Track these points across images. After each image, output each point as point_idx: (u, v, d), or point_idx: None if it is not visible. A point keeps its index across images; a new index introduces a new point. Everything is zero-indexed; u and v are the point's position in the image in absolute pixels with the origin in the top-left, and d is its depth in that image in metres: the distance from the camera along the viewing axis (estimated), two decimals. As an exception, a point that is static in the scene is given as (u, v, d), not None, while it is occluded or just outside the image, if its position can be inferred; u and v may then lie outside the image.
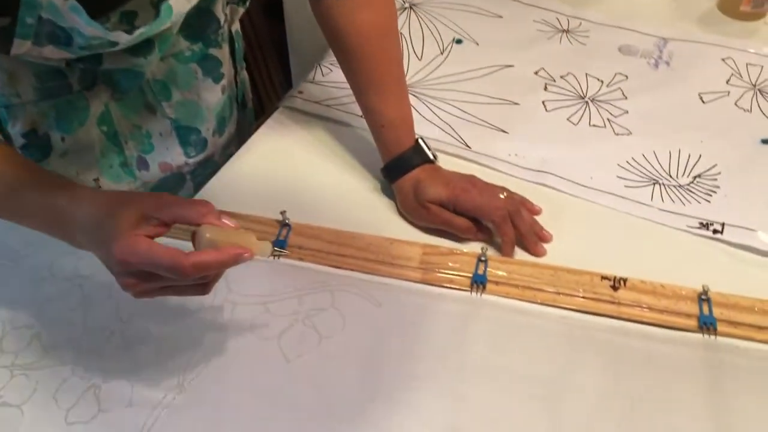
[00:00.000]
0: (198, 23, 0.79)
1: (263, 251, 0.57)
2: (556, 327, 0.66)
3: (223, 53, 0.85)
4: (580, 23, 1.10)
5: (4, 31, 0.61)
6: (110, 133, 0.81)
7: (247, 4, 0.89)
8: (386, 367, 0.64)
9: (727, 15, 1.10)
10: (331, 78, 1.00)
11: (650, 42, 1.05)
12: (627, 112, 0.93)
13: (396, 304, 0.69)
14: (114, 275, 0.55)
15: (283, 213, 0.75)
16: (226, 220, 0.55)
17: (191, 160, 0.88)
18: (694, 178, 0.83)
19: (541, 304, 0.68)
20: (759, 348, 0.64)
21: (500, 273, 0.71)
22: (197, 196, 0.84)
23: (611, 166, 0.85)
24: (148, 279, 0.54)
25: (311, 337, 0.66)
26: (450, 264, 0.72)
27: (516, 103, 0.95)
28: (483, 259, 0.72)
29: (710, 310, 0.66)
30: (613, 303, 0.68)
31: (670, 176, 0.84)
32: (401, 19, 1.10)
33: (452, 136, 0.90)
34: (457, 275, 0.71)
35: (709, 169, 0.84)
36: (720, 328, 0.65)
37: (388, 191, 0.83)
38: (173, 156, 0.87)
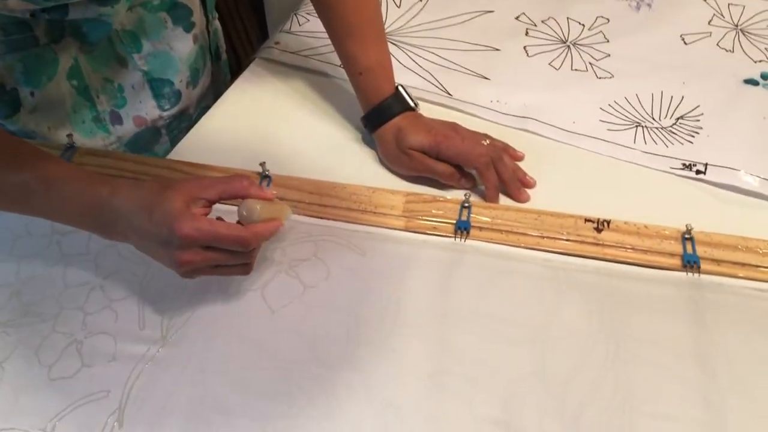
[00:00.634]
0: (165, -30, 0.77)
1: (288, 215, 0.62)
2: (541, 270, 0.66)
3: (192, 1, 0.83)
4: (561, -34, 1.08)
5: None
6: (81, 88, 0.79)
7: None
8: (371, 315, 0.63)
9: (709, -45, 1.08)
10: (307, 28, 0.97)
11: (631, -16, 1.04)
12: (609, 55, 0.92)
13: (380, 253, 0.68)
14: (171, 254, 0.56)
15: (262, 164, 0.74)
16: (266, 192, 0.60)
17: (165, 114, 0.86)
18: (677, 119, 0.83)
19: (525, 248, 0.68)
20: (742, 285, 0.64)
21: (484, 219, 0.70)
22: (174, 151, 0.82)
23: (593, 109, 0.84)
24: (207, 254, 0.57)
25: (295, 287, 0.66)
26: (433, 211, 0.71)
27: (497, 49, 0.94)
28: (466, 205, 0.71)
29: (693, 249, 0.66)
30: (597, 245, 0.67)
31: (653, 118, 0.83)
32: (378, -35, 1.08)
33: (433, 84, 0.88)
34: (440, 222, 0.70)
35: (691, 111, 0.84)
36: (703, 266, 0.65)
37: (368, 141, 0.82)
38: (147, 109, 0.85)
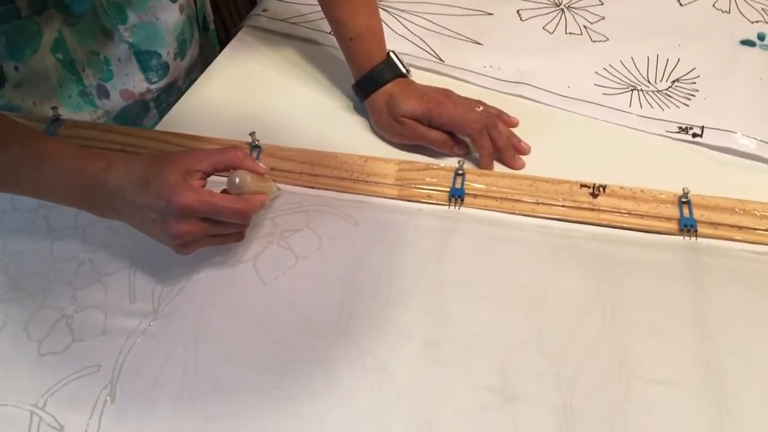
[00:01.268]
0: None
1: (273, 192, 0.65)
2: (536, 237, 0.65)
3: (178, -31, 0.81)
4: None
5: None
6: (66, 61, 0.77)
7: None
8: (365, 285, 0.62)
9: None
10: (296, -6, 0.95)
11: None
12: (603, 18, 0.90)
13: (373, 222, 0.67)
14: (168, 227, 0.56)
15: (252, 134, 0.73)
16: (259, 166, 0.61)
17: (153, 86, 0.84)
18: (673, 82, 0.81)
19: (520, 214, 0.67)
20: (739, 248, 0.63)
21: (478, 186, 0.69)
22: (162, 122, 0.80)
23: (588, 74, 0.83)
24: (204, 225, 0.57)
25: (287, 258, 0.65)
26: (427, 179, 0.70)
27: (490, 14, 0.92)
28: (460, 172, 0.70)
29: (690, 213, 0.65)
30: (593, 210, 0.67)
31: (649, 82, 0.82)
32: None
33: (425, 50, 0.87)
34: (434, 190, 0.69)
35: (687, 73, 0.82)
36: (701, 229, 0.64)
37: (360, 109, 0.80)
38: (135, 83, 0.83)
